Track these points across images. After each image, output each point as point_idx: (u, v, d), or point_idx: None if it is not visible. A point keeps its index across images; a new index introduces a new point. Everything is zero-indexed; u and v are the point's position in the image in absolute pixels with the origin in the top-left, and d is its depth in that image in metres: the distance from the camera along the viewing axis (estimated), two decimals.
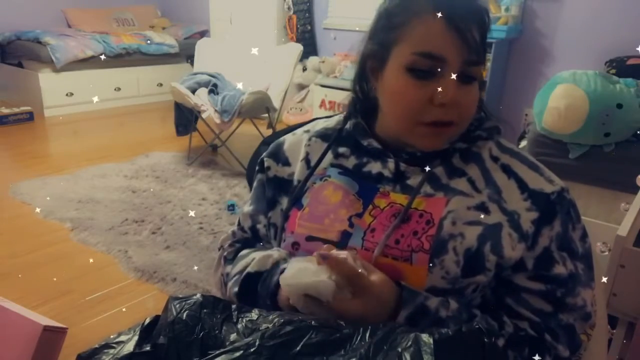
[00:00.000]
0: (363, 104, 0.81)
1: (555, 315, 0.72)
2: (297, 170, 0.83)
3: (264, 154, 0.89)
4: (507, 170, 0.74)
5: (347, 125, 0.82)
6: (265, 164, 0.87)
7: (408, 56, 0.68)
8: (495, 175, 0.74)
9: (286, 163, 0.85)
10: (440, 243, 0.69)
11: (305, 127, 0.89)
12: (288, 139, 0.88)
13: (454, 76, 0.67)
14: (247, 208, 0.89)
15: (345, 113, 0.84)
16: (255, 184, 0.89)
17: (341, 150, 0.81)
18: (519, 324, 0.72)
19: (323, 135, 0.85)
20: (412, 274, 0.69)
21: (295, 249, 0.76)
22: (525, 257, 0.71)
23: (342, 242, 0.73)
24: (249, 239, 0.89)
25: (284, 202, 0.82)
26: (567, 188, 0.74)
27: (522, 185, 0.73)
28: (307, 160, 0.83)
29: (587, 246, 0.75)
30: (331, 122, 0.87)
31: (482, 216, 0.70)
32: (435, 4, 0.66)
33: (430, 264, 0.68)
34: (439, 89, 0.67)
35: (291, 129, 0.92)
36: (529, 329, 0.71)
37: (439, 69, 0.67)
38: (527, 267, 0.71)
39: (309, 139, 0.85)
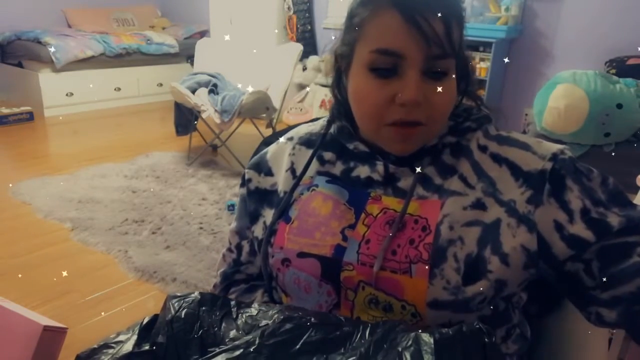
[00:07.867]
0: (344, 106, 0.76)
1: None
2: (281, 180, 0.79)
3: (247, 166, 0.85)
4: (498, 159, 0.70)
5: (332, 129, 0.78)
6: (246, 177, 0.83)
7: (368, 55, 0.65)
8: (486, 166, 0.70)
9: (269, 173, 0.81)
10: (440, 251, 0.65)
11: (288, 135, 0.84)
12: (271, 149, 0.84)
13: (415, 73, 0.63)
14: (233, 225, 0.86)
15: (328, 116, 0.80)
16: (238, 199, 0.86)
17: (327, 156, 0.77)
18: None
19: (307, 141, 0.81)
20: (412, 287, 0.65)
21: (285, 266, 0.72)
22: (580, 234, 0.65)
23: (336, 257, 0.69)
24: (236, 260, 0.86)
25: (267, 214, 0.78)
26: (562, 149, 0.69)
27: (516, 171, 0.68)
28: (292, 170, 0.79)
29: (612, 186, 0.68)
30: (315, 127, 0.82)
31: (480, 214, 0.67)
32: None
33: (431, 275, 0.64)
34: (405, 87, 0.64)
35: (292, 128, 0.90)
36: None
37: (399, 67, 0.64)
38: (590, 240, 0.64)
39: (293, 148, 0.81)
